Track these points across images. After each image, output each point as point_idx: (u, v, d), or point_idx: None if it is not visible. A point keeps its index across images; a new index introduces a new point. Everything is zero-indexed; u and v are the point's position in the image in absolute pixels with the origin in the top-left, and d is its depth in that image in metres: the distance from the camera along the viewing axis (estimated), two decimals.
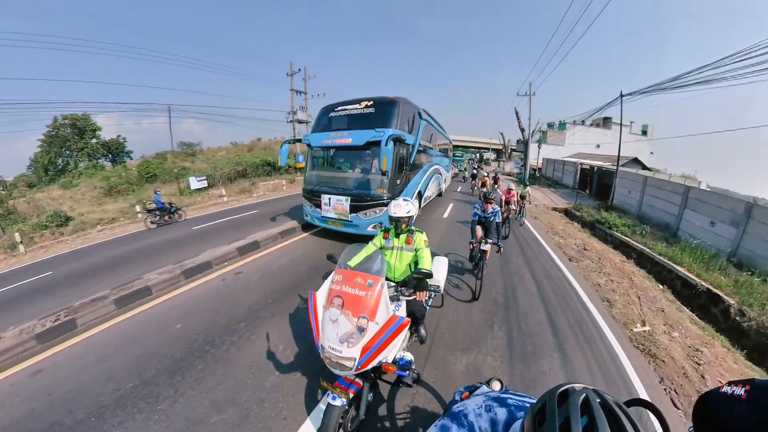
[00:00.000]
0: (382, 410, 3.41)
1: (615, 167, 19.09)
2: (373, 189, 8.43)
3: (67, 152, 32.03)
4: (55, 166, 31.09)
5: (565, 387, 0.86)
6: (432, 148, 14.24)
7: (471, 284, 6.53)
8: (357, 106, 9.24)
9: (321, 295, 2.93)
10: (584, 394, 0.82)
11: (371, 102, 9.12)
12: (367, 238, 9.06)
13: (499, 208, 6.71)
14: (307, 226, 10.57)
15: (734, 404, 1.45)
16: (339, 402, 2.57)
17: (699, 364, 4.71)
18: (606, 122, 45.26)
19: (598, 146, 42.08)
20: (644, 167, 31.63)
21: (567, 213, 15.88)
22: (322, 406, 3.16)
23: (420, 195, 11.07)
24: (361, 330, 2.53)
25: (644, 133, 47.59)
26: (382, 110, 8.87)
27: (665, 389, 4.13)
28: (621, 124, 19.89)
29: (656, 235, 11.32)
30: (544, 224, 12.63)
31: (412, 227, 3.86)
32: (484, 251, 6.05)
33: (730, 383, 1.51)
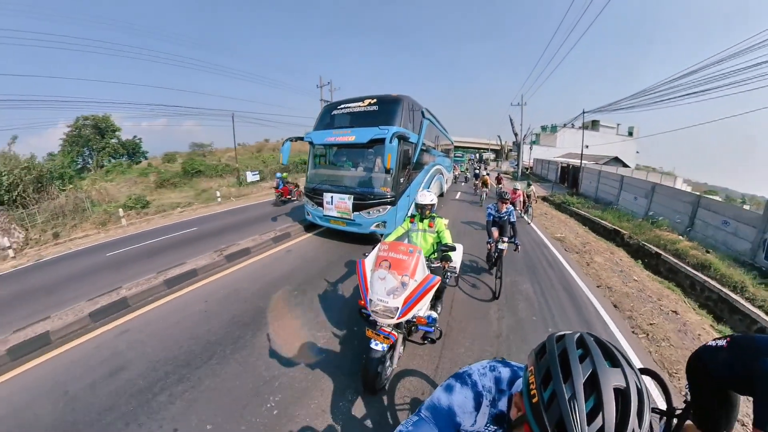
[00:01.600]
0: (410, 366, 3.84)
1: (592, 166, 25.13)
2: (376, 187, 7.99)
3: (88, 152, 33.13)
4: (75, 164, 31.95)
5: (562, 333, 0.92)
6: (434, 148, 13.70)
7: (489, 283, 6.26)
8: (360, 103, 8.78)
9: (368, 262, 3.51)
10: (579, 333, 0.89)
11: (375, 100, 8.64)
12: (369, 238, 8.77)
13: (513, 208, 6.40)
14: (309, 227, 10.13)
15: (718, 353, 1.98)
16: (380, 347, 3.08)
17: (612, 259, 8.82)
18: (594, 125, 49.13)
19: (587, 147, 43.76)
20: (624, 165, 38.37)
21: (544, 199, 20.20)
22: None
23: None
24: (404, 285, 3.10)
25: (630, 134, 51.39)
26: (386, 108, 8.41)
27: (587, 274, 7.51)
28: (583, 133, 30.31)
29: (599, 208, 15.96)
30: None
31: (434, 214, 4.50)
32: (501, 250, 5.83)
33: (714, 339, 2.05)
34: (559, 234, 11.08)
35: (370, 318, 3.22)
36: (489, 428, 1.07)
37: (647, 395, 0.78)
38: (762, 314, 6.00)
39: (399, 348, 3.57)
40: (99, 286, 6.73)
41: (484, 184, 16.55)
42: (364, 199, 7.99)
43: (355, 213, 8.09)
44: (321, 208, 8.64)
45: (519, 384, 1.04)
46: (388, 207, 8.04)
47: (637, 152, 50.90)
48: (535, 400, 0.82)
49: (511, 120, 36.87)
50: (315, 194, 8.87)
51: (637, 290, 6.66)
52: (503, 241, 5.87)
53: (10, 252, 11.43)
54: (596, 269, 7.77)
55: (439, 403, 1.10)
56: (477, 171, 23.56)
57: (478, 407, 1.07)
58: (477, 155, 65.57)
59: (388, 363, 3.36)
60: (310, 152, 9.58)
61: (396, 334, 3.19)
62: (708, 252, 9.05)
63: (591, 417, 0.74)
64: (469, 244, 8.59)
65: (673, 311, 5.86)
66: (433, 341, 3.68)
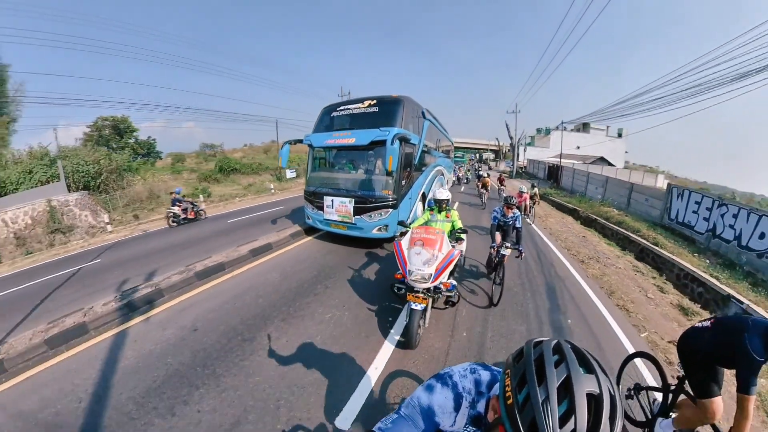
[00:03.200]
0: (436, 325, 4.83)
1: (572, 165, 30.86)
2: (377, 190, 7.59)
3: (109, 150, 33.08)
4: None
5: (540, 339, 0.93)
6: (435, 149, 13.16)
7: (487, 289, 5.94)
8: (360, 105, 8.34)
9: (404, 242, 4.43)
10: (556, 340, 0.91)
11: (374, 101, 8.21)
12: (371, 241, 8.42)
13: (519, 213, 5.96)
14: (309, 230, 9.73)
15: (704, 332, 2.39)
16: (419, 306, 3.95)
17: (561, 221, 13.34)
18: (585, 127, 51.23)
19: (578, 147, 49.08)
20: (609, 164, 42.70)
21: (532, 197, 23.06)
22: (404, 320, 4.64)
23: (424, 196, 10.70)
24: (435, 257, 4.12)
25: (620, 135, 53.75)
26: (387, 109, 8.00)
27: (544, 227, 11.74)
28: (562, 137, 36.45)
29: (572, 197, 19.82)
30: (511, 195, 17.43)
31: (449, 207, 5.40)
32: (503, 255, 5.46)
33: (700, 321, 2.47)
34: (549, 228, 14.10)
35: (408, 285, 4.12)
36: (468, 429, 1.09)
37: (620, 402, 0.79)
38: (644, 242, 10.20)
39: (428, 311, 4.41)
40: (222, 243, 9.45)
41: (485, 186, 16.02)
42: (365, 203, 7.62)
43: (356, 217, 7.70)
44: (321, 212, 8.46)
45: (497, 388, 1.06)
46: (390, 210, 7.68)
47: (626, 152, 53.93)
48: (509, 402, 0.83)
49: (507, 126, 41.07)
50: (315, 198, 8.57)
51: (572, 234, 11.41)
52: (506, 247, 5.48)
53: (109, 227, 13.54)
54: (549, 225, 12.59)
55: (419, 402, 1.11)
56: (479, 172, 23.20)
57: (457, 408, 1.09)
58: (477, 155, 65.59)
59: (422, 321, 4.18)
60: (309, 155, 9.36)
61: (427, 299, 4.03)
62: (626, 215, 13.65)
63: (563, 420, 0.75)
64: (470, 249, 8.27)
65: (585, 238, 11.21)
66: (453, 304, 4.70)
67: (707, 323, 2.44)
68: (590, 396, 0.78)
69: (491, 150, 66.66)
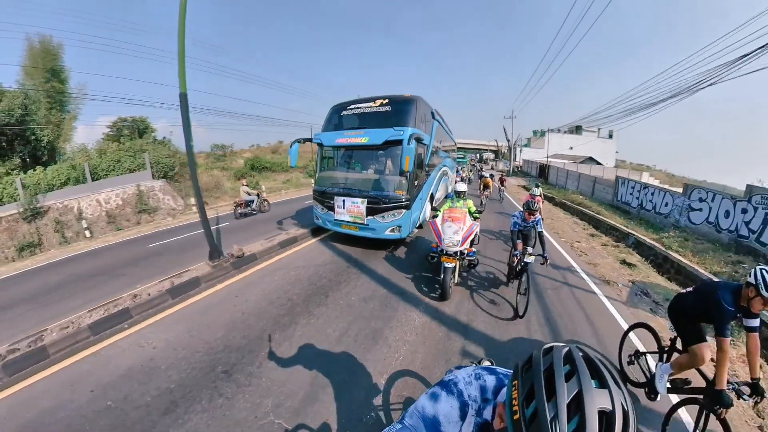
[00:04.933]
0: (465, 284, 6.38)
1: (559, 164, 35.31)
2: (391, 191, 7.25)
3: None
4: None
5: (551, 345, 0.88)
6: (442, 150, 12.85)
7: (509, 298, 5.60)
8: (371, 104, 7.94)
9: (438, 221, 5.85)
10: (567, 348, 0.86)
11: (387, 100, 7.80)
12: (382, 242, 8.07)
13: (540, 217, 5.56)
14: (319, 231, 9.40)
15: (688, 296, 3.13)
16: (451, 265, 5.36)
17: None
18: (578, 130, 53.77)
19: (571, 148, 51.67)
20: (598, 163, 45.46)
21: (524, 187, 26.99)
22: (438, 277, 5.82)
23: (432, 197, 10.41)
24: (461, 228, 5.60)
25: (610, 136, 56.22)
26: (399, 108, 7.62)
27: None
28: (547, 141, 44.84)
29: (554, 189, 23.87)
30: (510, 192, 21.50)
31: (465, 197, 6.54)
32: (527, 263, 5.03)
33: (685, 289, 3.28)
34: (513, 193, 20.18)
35: (442, 251, 5.55)
36: None
37: (634, 417, 0.74)
38: (595, 214, 14.64)
39: (456, 272, 5.80)
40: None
41: (486, 186, 15.56)
42: (378, 203, 7.21)
43: (368, 217, 7.32)
44: (332, 213, 8.24)
45: (504, 393, 1.01)
46: (404, 211, 7.28)
47: (617, 152, 56.59)
48: (516, 417, 0.78)
49: (504, 130, 45.64)
50: (325, 198, 8.20)
51: (543, 210, 11.51)
52: (529, 254, 5.04)
53: (194, 208, 15.60)
54: (514, 193, 19.19)
55: (423, 411, 1.06)
56: (481, 172, 22.90)
57: (463, 417, 1.04)
58: (477, 155, 65.82)
59: (452, 278, 5.53)
60: (318, 154, 9.13)
61: (456, 260, 5.40)
62: (590, 200, 18.34)
63: None
64: (481, 256, 7.83)
65: (550, 211, 15.38)
66: (474, 265, 5.90)
67: (690, 289, 3.21)
68: (602, 413, 0.74)
69: (491, 150, 68.50)
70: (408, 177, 7.20)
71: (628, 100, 20.19)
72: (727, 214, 12.00)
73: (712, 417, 2.61)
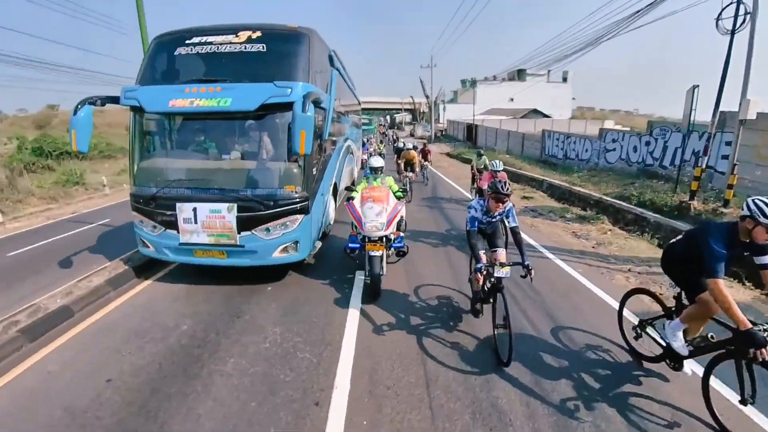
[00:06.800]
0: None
1: (498, 123, 34.30)
2: (276, 185, 4.89)
3: None
4: None
5: None
6: (344, 114, 10.02)
7: (476, 333, 3.92)
8: (231, 38, 5.06)
9: (356, 202, 5.10)
10: None
11: (259, 33, 5.06)
12: (269, 270, 5.29)
13: (512, 206, 3.90)
14: (149, 265, 5.82)
15: (677, 245, 3.14)
16: (378, 253, 4.67)
17: (454, 164, 22.00)
18: (520, 75, 44.75)
19: (512, 99, 44.13)
20: (544, 115, 41.80)
21: (448, 154, 26.93)
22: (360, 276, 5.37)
23: (336, 188, 7.68)
24: (385, 208, 4.92)
25: (564, 79, 49.37)
26: (282, 49, 5.09)
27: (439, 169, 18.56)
28: (474, 101, 37.41)
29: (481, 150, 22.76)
30: (438, 166, 19.62)
31: (382, 174, 5.84)
32: (500, 280, 3.42)
33: (674, 238, 3.31)
34: (441, 166, 19.87)
35: (365, 237, 4.82)
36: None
37: None
38: (517, 170, 15.69)
39: (385, 261, 4.96)
40: None
41: (409, 165, 10.87)
42: (256, 208, 4.80)
43: (242, 234, 4.82)
44: (173, 232, 4.86)
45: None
46: (299, 217, 5.01)
47: (573, 98, 50.26)
48: None
49: (422, 82, 37.47)
50: (156, 207, 4.97)
51: (464, 174, 14.35)
52: (502, 265, 3.49)
53: None
54: (444, 167, 19.23)
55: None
56: (396, 143, 17.35)
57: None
58: (387, 118, 54.86)
59: (381, 271, 4.70)
60: (134, 126, 5.35)
61: (384, 246, 4.77)
62: (519, 158, 19.72)
63: None
64: (422, 271, 5.97)
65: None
66: (404, 254, 5.51)
67: (679, 237, 3.22)
68: None
69: (406, 110, 55.37)
70: (304, 162, 5.04)
71: (581, 32, 18.77)
72: (635, 149, 14.24)
73: (754, 369, 2.48)
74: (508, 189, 3.68)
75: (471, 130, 34.31)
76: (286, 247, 4.97)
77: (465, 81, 52.35)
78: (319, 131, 5.52)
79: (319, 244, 5.77)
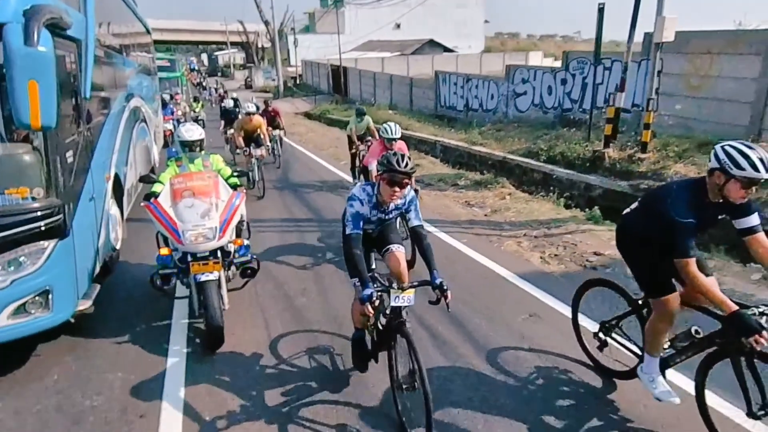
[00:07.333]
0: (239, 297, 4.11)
1: (379, 62, 26.16)
2: None
3: None
4: None
5: None
6: (120, 52, 7.19)
7: (358, 411, 2.75)
8: None
9: (163, 200, 3.83)
10: None
11: None
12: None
13: (415, 194, 3.00)
14: None
15: (634, 214, 2.36)
16: (213, 276, 3.44)
17: (312, 128, 18.23)
18: None
19: (399, 26, 34.62)
20: (446, 49, 32.47)
21: (307, 115, 22.89)
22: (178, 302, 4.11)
23: (119, 183, 5.59)
24: (214, 205, 3.78)
25: None
26: None
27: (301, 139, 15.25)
28: (338, 28, 24.94)
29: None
30: (296, 132, 17.12)
31: (205, 151, 4.70)
32: (399, 310, 2.41)
33: (629, 207, 2.48)
34: (297, 133, 16.73)
35: (186, 253, 3.54)
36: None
37: None
38: (406, 130, 11.74)
39: (224, 287, 3.87)
40: None
41: (253, 138, 8.38)
42: None
43: None
44: None
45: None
46: (47, 244, 3.17)
47: (486, 21, 42.46)
48: None
49: (256, 2, 25.09)
50: None
51: (326, 141, 14.83)
52: (401, 289, 2.42)
53: None
54: (302, 134, 16.29)
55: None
56: (225, 103, 13.31)
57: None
58: (204, 59, 37.35)
59: (221, 304, 3.58)
60: None
61: (220, 265, 3.64)
62: (407, 115, 17.19)
63: None
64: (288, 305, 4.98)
65: (338, 139, 13.83)
66: (253, 273, 4.08)
67: (635, 204, 2.57)
68: None
69: (234, 44, 39.39)
70: (44, 142, 3.12)
71: None
72: (549, 90, 12.14)
73: (758, 368, 2.13)
74: (409, 166, 2.55)
75: (338, 75, 25.01)
76: (24, 302, 3.15)
77: (325, 2, 41.11)
78: (73, 82, 4.13)
79: (96, 288, 3.79)
